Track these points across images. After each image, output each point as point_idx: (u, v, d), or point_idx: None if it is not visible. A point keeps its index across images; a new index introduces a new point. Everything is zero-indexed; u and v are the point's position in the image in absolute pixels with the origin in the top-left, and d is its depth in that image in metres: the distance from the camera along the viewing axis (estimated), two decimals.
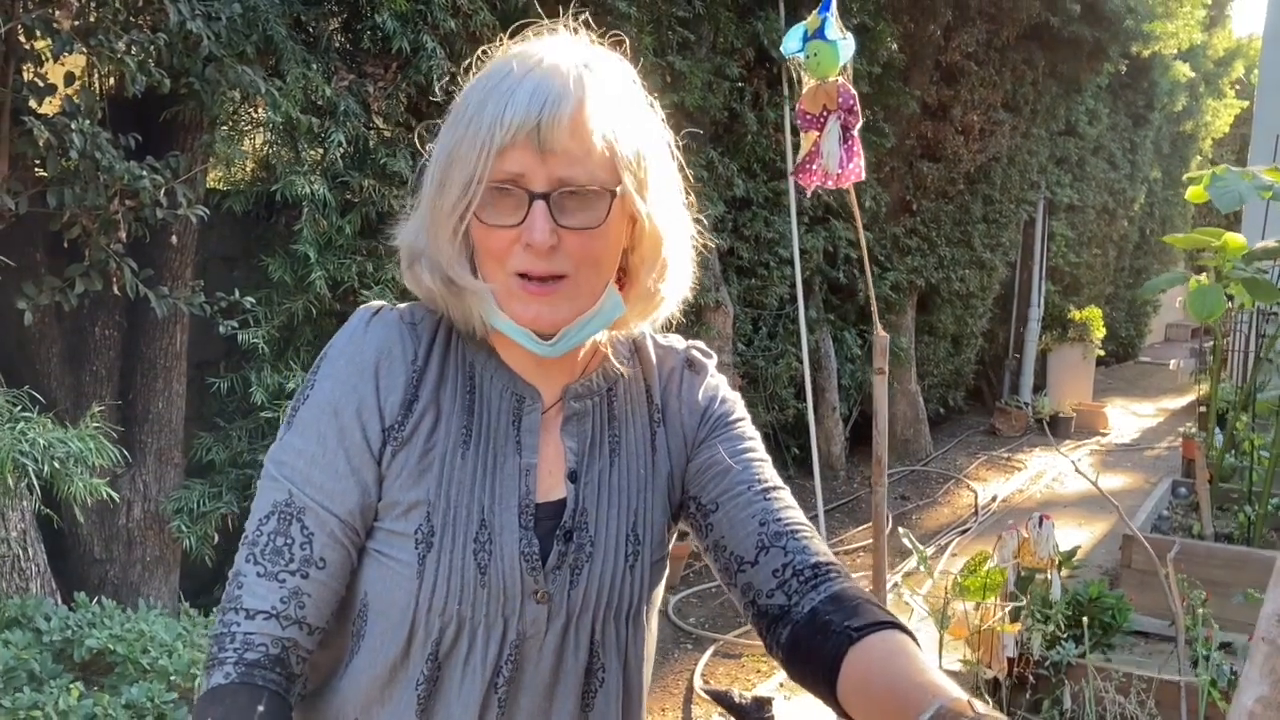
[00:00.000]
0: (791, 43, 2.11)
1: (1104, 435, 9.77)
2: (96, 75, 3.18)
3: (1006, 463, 8.47)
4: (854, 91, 2.08)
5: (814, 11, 2.10)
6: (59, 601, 3.07)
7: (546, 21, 1.14)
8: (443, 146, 1.10)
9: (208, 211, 3.25)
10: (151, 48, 3.00)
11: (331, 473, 1.10)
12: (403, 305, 1.20)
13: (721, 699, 2.33)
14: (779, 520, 1.14)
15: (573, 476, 1.17)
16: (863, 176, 2.14)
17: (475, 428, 1.14)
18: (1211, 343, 9.89)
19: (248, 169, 3.92)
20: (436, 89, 3.75)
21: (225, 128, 3.56)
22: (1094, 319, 10.37)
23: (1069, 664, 3.07)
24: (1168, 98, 12.38)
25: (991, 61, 7.85)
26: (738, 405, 1.26)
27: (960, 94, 7.68)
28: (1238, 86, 14.51)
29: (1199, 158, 15.14)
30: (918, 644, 1.01)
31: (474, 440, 1.14)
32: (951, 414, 9.70)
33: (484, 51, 1.14)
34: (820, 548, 1.13)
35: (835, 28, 2.05)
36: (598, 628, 1.15)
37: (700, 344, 1.30)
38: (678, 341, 1.28)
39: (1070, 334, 10.39)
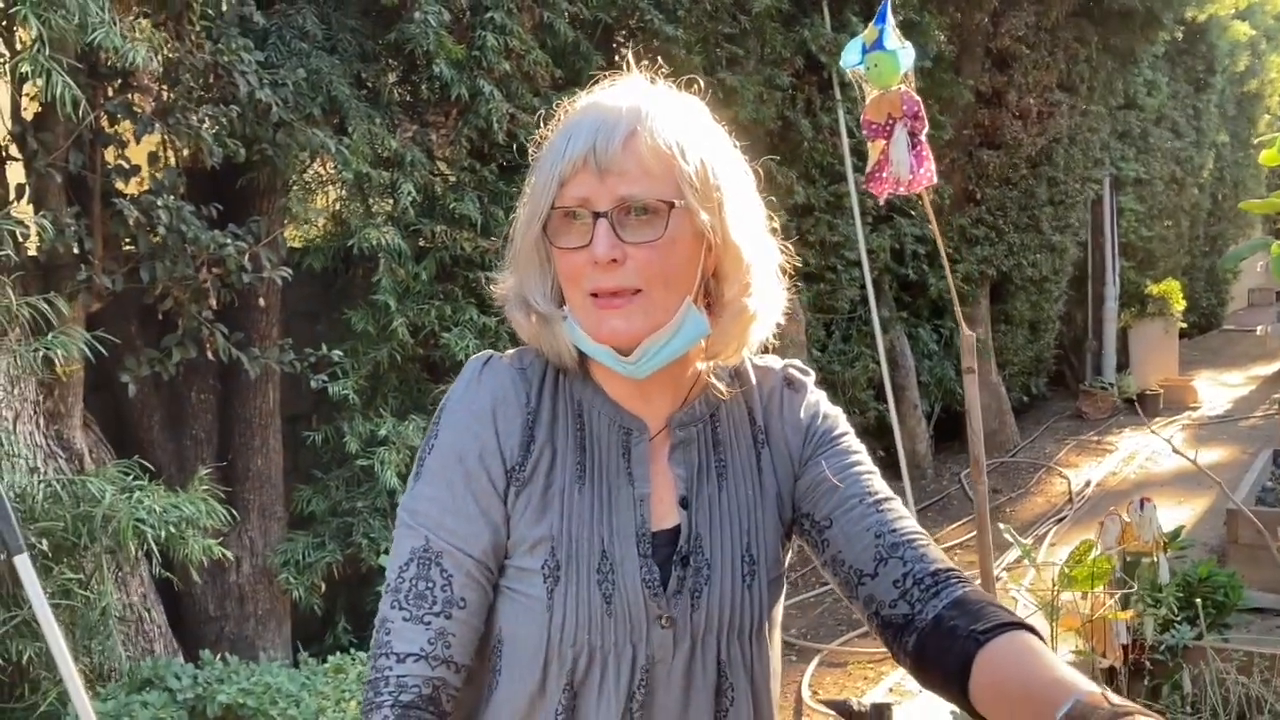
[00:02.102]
0: (851, 56, 2.13)
1: (1194, 409, 9.54)
2: (173, 151, 3.31)
3: (1096, 446, 8.32)
4: (918, 98, 2.09)
5: (870, 24, 2.12)
6: (183, 660, 3.18)
7: (618, 72, 1.20)
8: (526, 191, 1.17)
9: (290, 272, 3.36)
10: (224, 120, 3.11)
11: (463, 516, 1.14)
12: (510, 351, 1.25)
13: (840, 708, 2.34)
14: (894, 531, 1.16)
15: (684, 503, 1.20)
16: (935, 181, 2.15)
17: (588, 462, 1.19)
18: None
19: (321, 226, 4.04)
20: (497, 131, 3.83)
21: (297, 188, 3.67)
22: (1172, 291, 10.15)
23: (1185, 647, 3.02)
24: (1228, 59, 12.10)
25: (1043, 43, 7.75)
26: (840, 420, 1.28)
27: (1014, 79, 7.60)
28: None
29: (1268, 116, 14.75)
30: (1045, 642, 1.02)
31: (588, 475, 1.18)
32: (1035, 401, 9.55)
33: (561, 106, 1.20)
34: (937, 554, 1.15)
35: (893, 37, 2.07)
36: (723, 648, 1.18)
37: (798, 362, 1.32)
38: (774, 361, 1.30)
39: (1149, 309, 10.18)
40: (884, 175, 2.13)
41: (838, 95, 5.90)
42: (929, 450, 7.38)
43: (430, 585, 1.13)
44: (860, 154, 6.17)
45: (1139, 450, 8.08)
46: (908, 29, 6.30)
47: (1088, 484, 7.13)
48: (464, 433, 1.17)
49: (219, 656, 2.94)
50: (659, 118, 1.11)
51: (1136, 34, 8.37)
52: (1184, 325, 10.47)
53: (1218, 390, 10.42)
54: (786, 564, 1.26)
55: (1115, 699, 0.89)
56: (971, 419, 2.14)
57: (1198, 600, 2.79)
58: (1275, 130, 15.01)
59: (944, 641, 1.06)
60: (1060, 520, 6.32)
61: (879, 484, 1.22)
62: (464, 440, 1.17)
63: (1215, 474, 3.33)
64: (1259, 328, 12.87)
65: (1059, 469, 7.55)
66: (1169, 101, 10.99)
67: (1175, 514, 5.95)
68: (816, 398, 1.28)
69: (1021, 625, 1.04)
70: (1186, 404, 9.61)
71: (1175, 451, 2.50)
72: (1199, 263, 13.27)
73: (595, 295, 1.11)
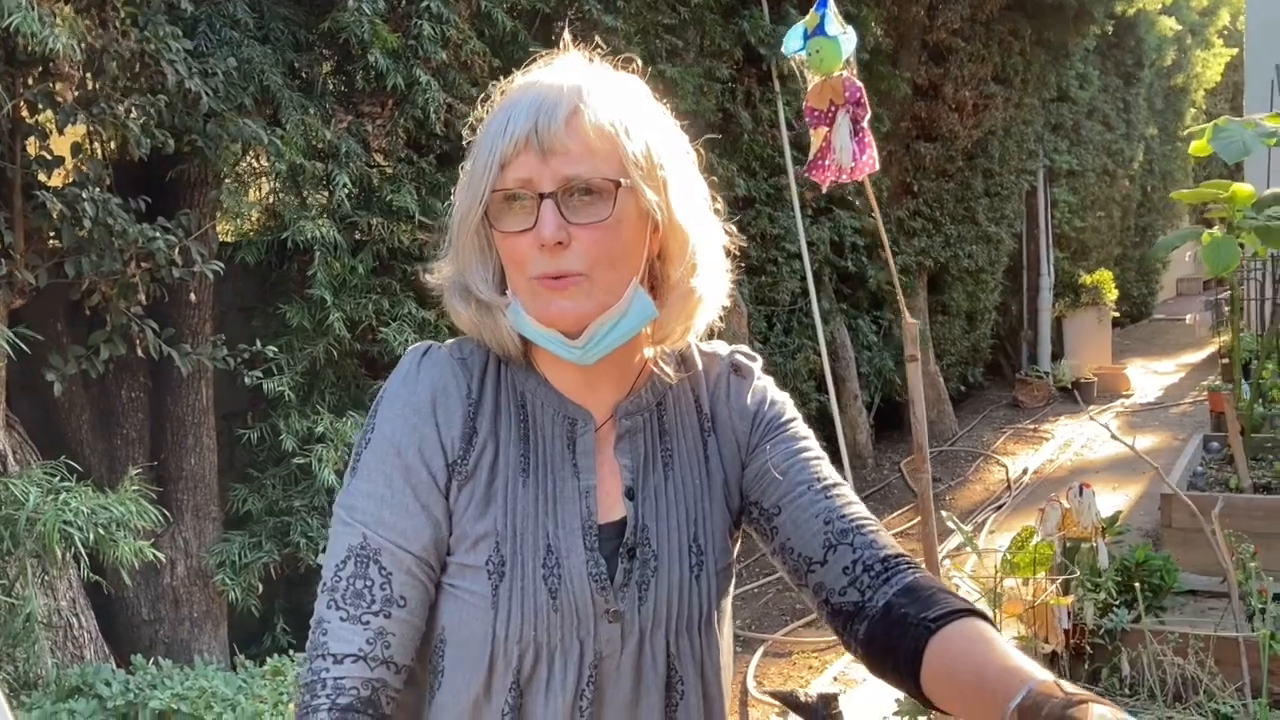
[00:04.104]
0: (793, 42, 2.12)
1: (1127, 397, 9.74)
2: (98, 142, 3.21)
3: (1033, 434, 8.46)
4: (860, 84, 2.09)
5: (811, 10, 2.11)
6: (115, 666, 3.09)
7: (554, 51, 1.17)
8: (463, 176, 1.14)
9: (223, 266, 3.28)
10: (152, 110, 3.02)
11: (402, 511, 1.11)
12: (450, 341, 1.22)
13: (786, 700, 2.33)
14: (843, 517, 1.14)
15: (630, 494, 1.17)
16: (876, 168, 2.14)
17: (532, 455, 1.16)
18: (1225, 294, 9.85)
19: (254, 219, 3.95)
20: (434, 121, 3.77)
21: (230, 180, 3.58)
22: (1105, 282, 10.35)
23: (1123, 630, 3.06)
24: (1156, 53, 12.36)
25: (978, 36, 7.84)
26: (788, 406, 1.26)
27: (950, 71, 7.67)
28: (1225, 34, 14.45)
29: (1193, 109, 15.09)
30: (996, 628, 1.01)
31: (532, 467, 1.15)
32: (972, 390, 9.68)
33: (497, 87, 1.17)
34: (887, 540, 1.14)
35: (835, 23, 2.06)
36: (671, 641, 1.16)
37: (744, 348, 1.30)
38: (721, 347, 1.28)
39: (1083, 299, 10.38)
40: (826, 163, 2.12)
41: (777, 88, 5.91)
42: (869, 440, 7.44)
43: (369, 584, 1.10)
44: (800, 146, 6.19)
45: (1075, 438, 8.22)
46: (845, 22, 6.32)
47: (1025, 471, 7.24)
48: (402, 426, 1.13)
49: (151, 661, 2.86)
50: (601, 95, 1.09)
51: (1069, 27, 8.50)
52: (1116, 314, 10.68)
53: (1149, 378, 10.64)
54: (735, 554, 1.25)
55: (1069, 687, 0.88)
56: (915, 406, 2.14)
57: (1136, 584, 2.83)
58: (1200, 124, 15.37)
59: (895, 629, 1.05)
60: (999, 508, 6.41)
61: (827, 470, 1.20)
62: (402, 434, 1.13)
63: (1149, 460, 3.38)
64: (1188, 316, 13.20)
65: (997, 457, 7.66)
66: (1100, 94, 11.19)
67: (1111, 500, 6.06)
68: (764, 383, 1.26)
69: (973, 612, 1.03)
70: (1119, 392, 9.81)
71: (1114, 438, 2.53)
72: (1130, 253, 13.54)
73: (542, 278, 1.08)
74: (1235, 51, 14.22)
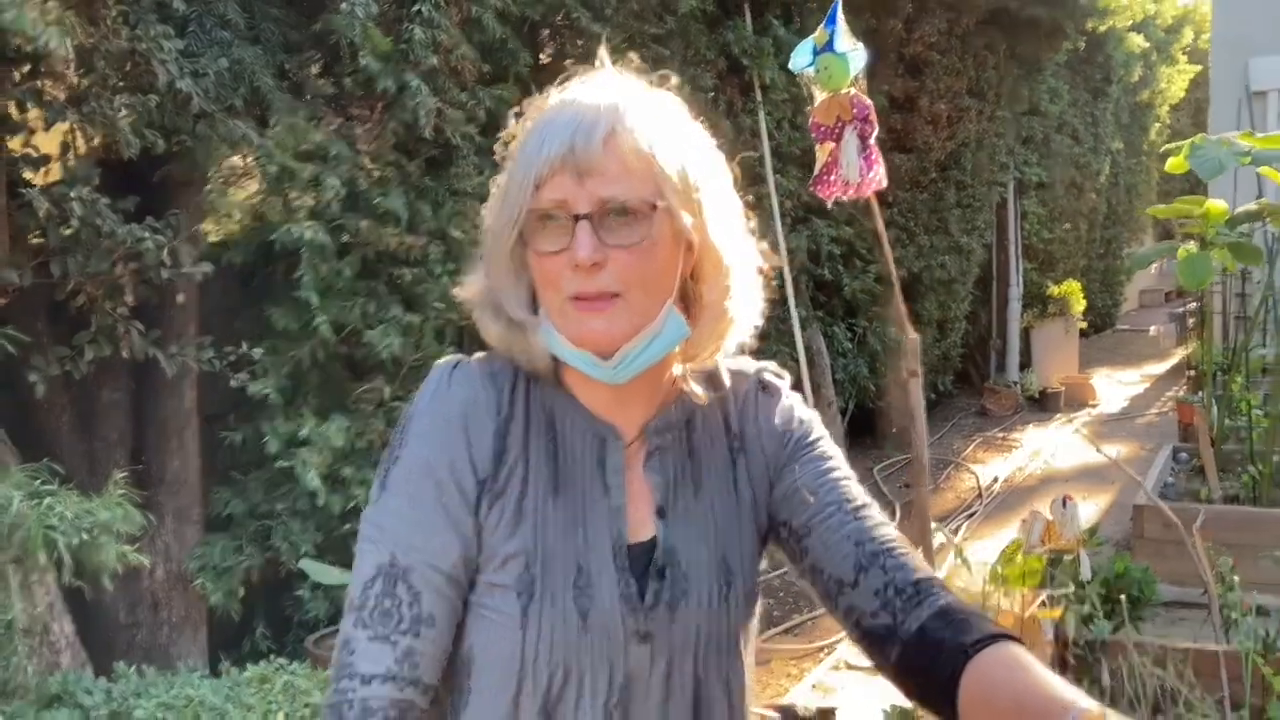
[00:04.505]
0: (801, 58, 2.13)
1: (1093, 406, 9.85)
2: (83, 139, 3.17)
3: (1002, 442, 8.54)
4: (868, 101, 2.10)
5: (820, 26, 2.12)
6: (93, 672, 3.05)
7: (588, 67, 1.17)
8: (496, 192, 1.13)
9: (212, 268, 3.25)
10: (142, 109, 2.99)
11: (431, 530, 1.10)
12: (479, 355, 1.21)
13: (786, 713, 2.34)
14: (874, 539, 1.14)
15: (660, 513, 1.17)
16: (884, 184, 2.16)
17: (561, 473, 1.15)
18: (1188, 306, 10.00)
19: (239, 220, 3.91)
20: (424, 125, 3.76)
21: (219, 181, 3.55)
22: (1073, 293, 10.47)
23: (1103, 642, 3.10)
24: (1124, 69, 12.52)
25: (954, 50, 7.92)
26: (815, 424, 1.26)
27: (926, 84, 7.74)
28: (1188, 52, 14.68)
29: (1157, 124, 15.31)
30: (1031, 654, 1.02)
31: (562, 486, 1.15)
32: (942, 399, 9.75)
33: (532, 104, 1.16)
34: (918, 562, 1.14)
35: (845, 40, 2.07)
36: (700, 662, 1.15)
37: (772, 365, 1.30)
38: (748, 364, 1.27)
39: (1051, 309, 10.49)
40: (832, 178, 2.13)
41: (758, 98, 5.94)
42: (843, 447, 7.44)
43: (397, 602, 1.08)
44: (780, 156, 6.22)
45: (1043, 447, 8.31)
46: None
47: (995, 479, 7.31)
48: (433, 442, 1.12)
49: (134, 668, 2.82)
50: (638, 116, 1.08)
51: (1042, 43, 8.61)
52: (1083, 325, 10.80)
53: (1115, 388, 10.77)
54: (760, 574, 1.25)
55: (1114, 716, 0.89)
56: (916, 422, 2.16)
57: (1122, 596, 2.86)
58: (1164, 138, 15.60)
59: (930, 654, 1.05)
60: (971, 515, 6.47)
61: (856, 490, 1.20)
62: (433, 450, 1.12)
63: (1115, 471, 3.43)
64: (1152, 328, 13.38)
65: (967, 465, 7.72)
66: (1069, 109, 11.33)
67: (1082, 510, 6.12)
68: (791, 402, 1.26)
69: (1009, 637, 1.03)
70: (1086, 401, 9.92)
71: (1098, 451, 2.56)
72: (1095, 265, 13.71)
73: (576, 299, 1.08)
74: (1199, 69, 14.44)
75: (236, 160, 3.70)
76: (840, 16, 2.10)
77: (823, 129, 2.15)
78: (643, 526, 1.17)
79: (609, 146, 1.06)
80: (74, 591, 3.16)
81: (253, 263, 3.72)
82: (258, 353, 3.44)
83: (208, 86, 3.15)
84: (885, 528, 1.17)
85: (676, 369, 1.19)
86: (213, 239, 3.72)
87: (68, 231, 2.91)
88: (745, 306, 1.19)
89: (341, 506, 3.64)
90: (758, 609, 1.24)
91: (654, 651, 1.13)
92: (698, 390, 1.19)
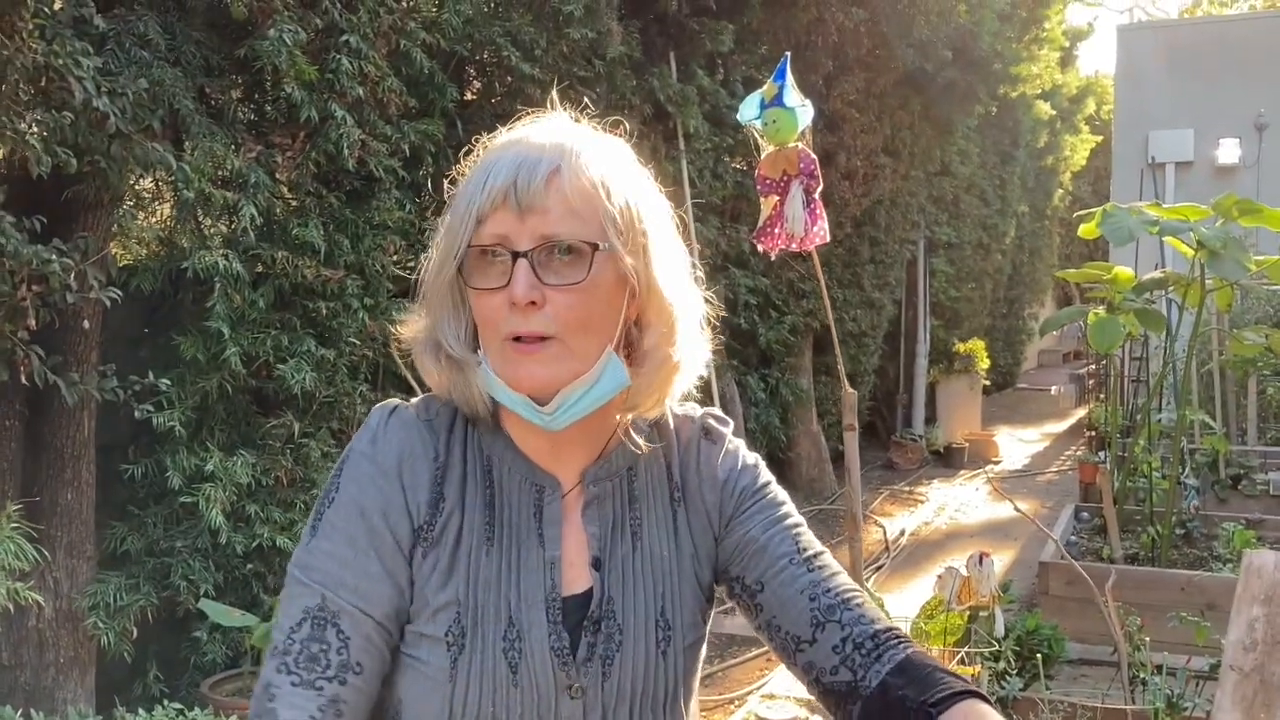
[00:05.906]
0: (748, 110, 2.14)
1: (996, 463, 10.07)
2: None
3: (909, 496, 8.66)
4: (814, 156, 2.12)
5: (769, 80, 2.14)
6: None
7: (538, 110, 1.15)
8: (440, 227, 1.11)
9: (120, 294, 3.13)
10: (55, 127, 2.88)
11: (364, 575, 1.07)
12: (415, 400, 1.19)
13: None
14: (829, 592, 1.12)
15: (596, 564, 1.14)
16: (828, 239, 2.17)
17: (497, 522, 1.13)
18: (1088, 368, 10.29)
19: (149, 245, 3.78)
20: (347, 156, 3.69)
21: (130, 204, 3.43)
22: (978, 350, 10.73)
23: (1014, 699, 3.13)
24: (1031, 135, 12.97)
25: (871, 108, 8.10)
26: (761, 470, 1.24)
27: (844, 140, 7.90)
28: (1090, 122, 15.28)
29: (1060, 190, 15.87)
30: (996, 710, 1.01)
31: (497, 535, 1.12)
32: None
33: (480, 143, 1.15)
34: (875, 613, 1.12)
35: (793, 94, 2.09)
36: (635, 718, 1.13)
37: (716, 410, 1.28)
38: (694, 410, 1.25)
39: (956, 366, 10.73)
40: (776, 231, 2.14)
41: (681, 146, 5.99)
42: None
43: (325, 648, 1.04)
44: (699, 204, 6.27)
45: (948, 502, 8.45)
46: (747, 86, 6.48)
47: (902, 533, 7.40)
48: (368, 487, 1.09)
49: (20, 713, 2.66)
50: (584, 156, 1.07)
51: (956, 105, 8.87)
52: (986, 383, 11.05)
53: (1016, 445, 11.03)
54: (707, 629, 1.22)
55: None
56: (851, 476, 2.16)
57: (1038, 654, 2.90)
58: (1066, 203, 16.17)
59: (893, 712, 1.03)
60: (879, 568, 6.52)
61: (808, 539, 1.18)
62: (368, 495, 1.09)
63: (1017, 528, 3.48)
64: (1053, 388, 13.77)
65: (875, 518, 7.80)
66: (979, 170, 11.68)
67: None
68: (735, 447, 1.25)
69: (972, 693, 1.02)
70: (988, 458, 10.14)
71: (1014, 508, 2.59)
72: (999, 324, 14.09)
73: (514, 340, 1.06)
74: (1100, 139, 15.04)
75: (149, 184, 3.58)
76: (789, 71, 2.12)
77: (768, 182, 2.16)
78: (579, 578, 1.14)
79: (552, 185, 1.05)
80: None
81: (162, 290, 3.59)
82: (164, 383, 3.31)
83: (125, 106, 3.04)
84: (840, 576, 1.15)
85: (619, 415, 1.17)
86: (122, 263, 3.59)
87: None
88: (690, 354, 1.17)
89: (245, 546, 3.51)
90: (699, 664, 1.22)
91: (586, 707, 1.10)
92: (639, 440, 1.17)
